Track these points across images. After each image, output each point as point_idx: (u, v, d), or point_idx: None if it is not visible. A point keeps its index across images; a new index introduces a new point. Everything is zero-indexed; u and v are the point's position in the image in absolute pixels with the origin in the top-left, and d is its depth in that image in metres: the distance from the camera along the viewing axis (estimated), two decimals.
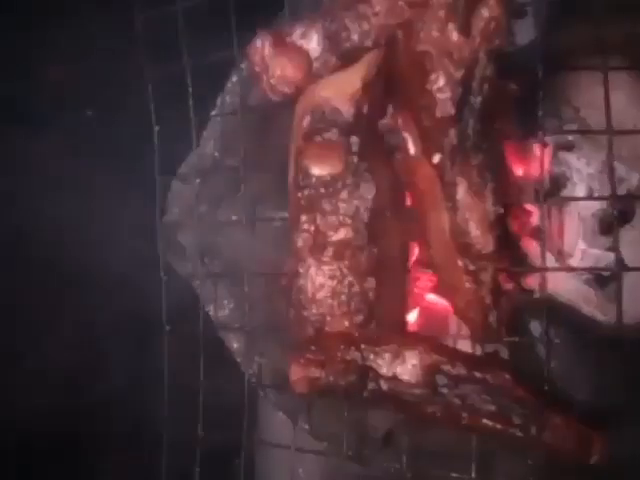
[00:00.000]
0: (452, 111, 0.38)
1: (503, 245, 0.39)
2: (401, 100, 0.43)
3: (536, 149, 0.63)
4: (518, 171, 0.59)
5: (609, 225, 0.61)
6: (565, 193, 0.63)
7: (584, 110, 0.63)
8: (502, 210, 0.39)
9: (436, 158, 0.40)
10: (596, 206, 0.60)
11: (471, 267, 0.39)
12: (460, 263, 0.40)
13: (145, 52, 0.63)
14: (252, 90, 0.63)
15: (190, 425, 0.61)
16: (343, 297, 0.44)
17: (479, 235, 0.39)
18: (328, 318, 0.45)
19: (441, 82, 0.38)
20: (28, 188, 0.61)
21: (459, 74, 0.38)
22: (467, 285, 0.40)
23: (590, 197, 0.59)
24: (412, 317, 0.51)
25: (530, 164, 0.61)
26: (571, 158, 0.63)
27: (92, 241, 0.64)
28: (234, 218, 0.65)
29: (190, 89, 0.62)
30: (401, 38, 0.41)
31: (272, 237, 0.62)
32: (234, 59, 0.60)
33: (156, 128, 0.65)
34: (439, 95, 0.39)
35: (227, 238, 0.66)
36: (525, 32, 0.49)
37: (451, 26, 0.38)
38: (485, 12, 0.37)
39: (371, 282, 0.42)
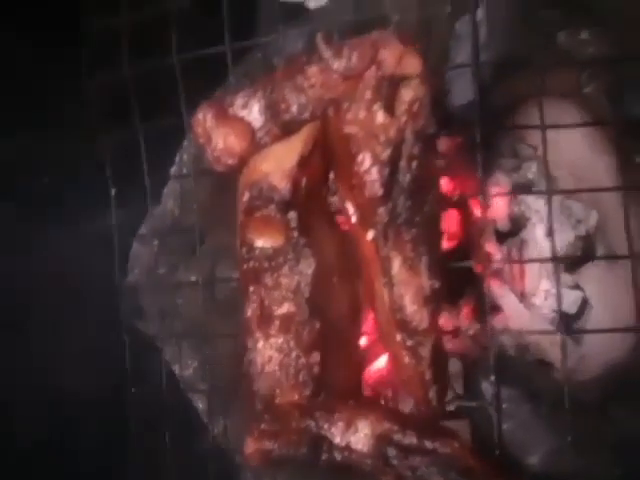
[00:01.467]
0: (380, 192, 0.38)
1: (440, 317, 0.39)
2: (338, 171, 0.43)
3: (493, 190, 0.65)
4: (477, 212, 0.59)
5: (571, 264, 0.62)
6: (525, 234, 0.64)
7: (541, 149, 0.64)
8: (438, 284, 0.39)
9: (370, 234, 0.40)
10: (558, 245, 0.61)
11: (409, 342, 0.40)
12: (398, 338, 0.40)
13: (97, 117, 0.64)
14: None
15: None
16: (291, 370, 0.44)
17: (415, 310, 0.39)
18: (277, 391, 0.45)
19: (367, 164, 0.39)
20: None
21: (385, 155, 0.38)
22: (406, 360, 0.40)
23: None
24: (365, 381, 0.51)
25: (489, 205, 0.62)
26: (530, 199, 0.64)
27: (52, 305, 0.64)
28: (192, 279, 0.65)
29: (144, 152, 0.63)
30: (332, 115, 0.42)
31: (231, 297, 0.62)
32: (184, 123, 0.61)
33: (112, 191, 0.66)
34: (366, 177, 0.39)
35: (187, 299, 0.66)
36: (463, 91, 0.50)
37: (377, 107, 0.39)
38: (408, 93, 0.38)
39: (315, 356, 0.42)
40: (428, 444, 0.43)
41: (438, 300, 0.40)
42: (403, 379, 0.42)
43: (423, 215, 0.39)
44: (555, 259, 0.50)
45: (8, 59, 0.62)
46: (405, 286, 0.39)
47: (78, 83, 0.64)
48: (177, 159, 0.68)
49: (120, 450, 0.64)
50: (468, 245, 0.57)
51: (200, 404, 0.65)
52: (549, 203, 0.46)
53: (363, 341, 0.49)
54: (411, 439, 0.44)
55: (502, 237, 0.62)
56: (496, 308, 0.59)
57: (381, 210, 0.39)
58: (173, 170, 0.68)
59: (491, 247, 0.60)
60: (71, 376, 0.65)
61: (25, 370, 0.64)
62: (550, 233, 0.47)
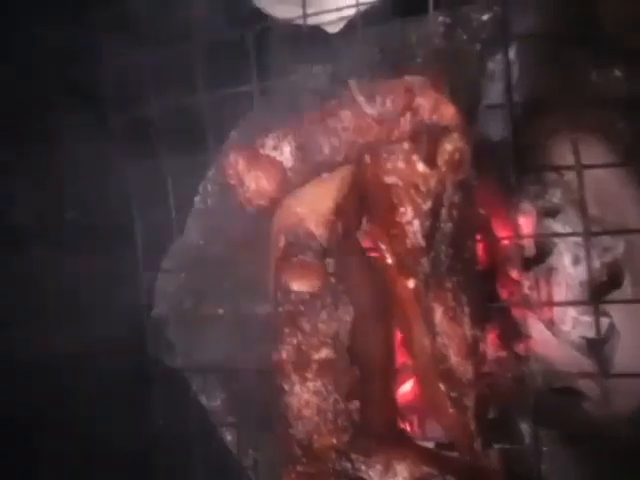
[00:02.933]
0: (422, 243, 0.39)
1: (484, 368, 0.39)
2: (374, 216, 0.43)
3: (519, 217, 0.64)
4: (504, 239, 0.59)
5: (598, 291, 0.62)
6: (551, 261, 0.63)
7: (568, 174, 0.64)
8: (481, 334, 0.39)
9: (411, 283, 0.40)
10: (584, 272, 0.61)
11: (453, 393, 0.40)
12: (442, 388, 0.40)
13: (123, 149, 0.64)
14: None
15: None
16: (329, 415, 0.44)
17: (459, 362, 0.39)
18: (315, 436, 0.45)
19: (409, 215, 0.39)
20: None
21: (427, 206, 0.38)
22: (450, 410, 0.40)
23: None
24: (402, 420, 0.51)
25: (514, 232, 0.61)
26: (556, 225, 0.64)
27: (79, 341, 0.64)
28: (220, 312, 0.65)
29: (170, 185, 0.63)
30: (369, 162, 0.42)
31: (258, 331, 0.62)
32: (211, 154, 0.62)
33: (138, 224, 0.66)
34: (408, 227, 0.39)
35: (213, 332, 0.66)
36: (496, 130, 0.50)
37: (416, 158, 0.39)
38: (449, 145, 0.38)
39: (355, 404, 0.42)
40: None
41: (481, 349, 0.40)
42: (445, 426, 0.41)
43: (464, 262, 0.39)
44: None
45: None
46: (448, 336, 0.39)
47: (103, 113, 0.64)
48: (201, 189, 0.68)
49: None
50: (494, 273, 0.57)
51: (228, 436, 0.65)
52: (586, 243, 0.46)
53: (398, 379, 0.49)
54: None
55: (528, 264, 0.62)
56: (524, 336, 0.59)
57: (424, 260, 0.39)
58: (197, 200, 0.69)
59: (518, 274, 0.60)
60: (99, 409, 0.66)
61: (54, 402, 0.64)
62: (588, 271, 0.46)
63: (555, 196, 0.65)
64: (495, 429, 0.44)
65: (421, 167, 0.38)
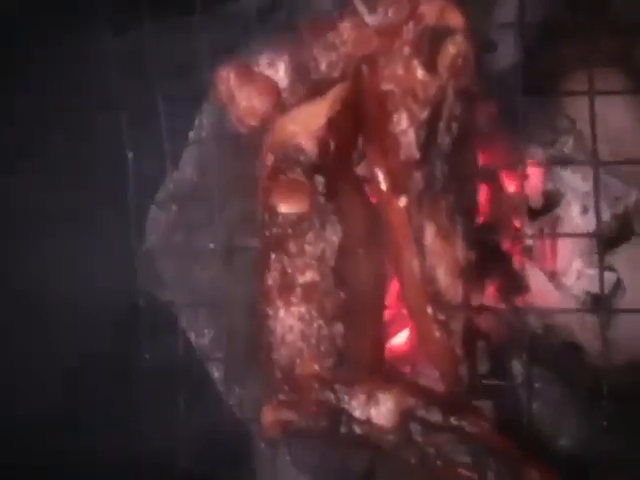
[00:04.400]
0: (416, 155, 0.36)
1: (474, 291, 0.37)
2: (369, 134, 0.41)
3: (528, 165, 0.62)
4: (510, 187, 0.57)
5: (606, 244, 0.59)
6: (559, 211, 0.61)
7: (580, 122, 0.60)
8: (473, 256, 0.37)
9: (402, 201, 0.38)
10: (591, 224, 0.58)
11: (440, 316, 0.38)
12: (429, 311, 0.38)
13: (115, 79, 0.62)
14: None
15: (170, 457, 0.60)
16: (312, 340, 0.42)
17: (449, 283, 0.37)
18: (298, 361, 0.43)
19: (404, 124, 0.36)
20: None
21: (424, 114, 0.36)
22: (437, 334, 0.38)
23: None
24: (388, 355, 0.49)
25: (522, 180, 0.59)
26: (566, 174, 0.61)
27: (65, 270, 0.63)
28: (211, 246, 0.64)
29: (162, 114, 0.61)
30: (366, 73, 0.39)
31: (250, 265, 0.61)
32: (206, 85, 0.59)
33: (130, 155, 0.64)
34: (402, 138, 0.37)
35: (204, 266, 0.65)
36: (506, 55, 0.47)
37: (416, 63, 0.36)
38: (452, 48, 0.35)
39: (339, 328, 0.41)
40: (454, 422, 0.42)
41: (472, 273, 0.38)
42: (431, 354, 0.40)
43: (460, 182, 0.37)
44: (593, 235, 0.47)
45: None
46: (439, 257, 0.37)
47: (97, 42, 0.62)
48: (196, 123, 0.66)
49: (134, 420, 0.64)
50: (498, 221, 0.55)
51: (216, 373, 0.64)
52: (595, 173, 0.43)
53: (386, 315, 0.48)
54: (436, 416, 0.42)
55: (535, 214, 0.60)
56: (525, 287, 0.57)
57: (417, 175, 0.37)
58: (192, 134, 0.66)
59: (522, 223, 0.58)
60: (85, 344, 0.65)
61: (40, 336, 0.64)
62: (596, 207, 0.43)
63: (567, 145, 0.62)
64: (485, 364, 0.42)
65: (420, 73, 0.36)
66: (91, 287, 0.64)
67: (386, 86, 0.37)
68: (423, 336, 0.40)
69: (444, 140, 0.36)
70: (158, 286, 0.65)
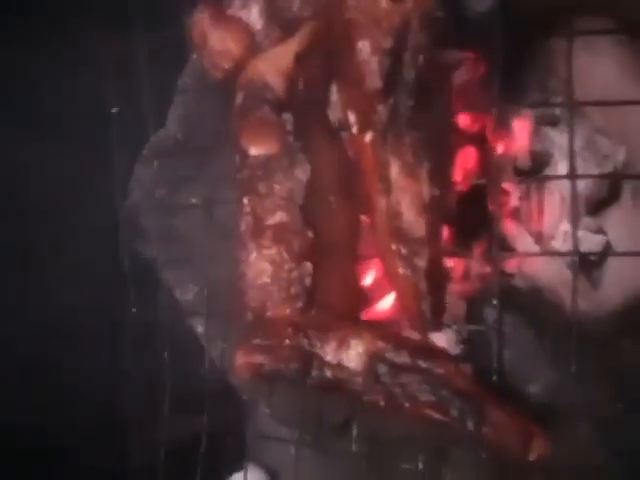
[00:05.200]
0: (379, 84, 0.35)
1: (440, 229, 0.37)
2: (337, 68, 0.40)
3: (515, 123, 0.61)
4: (496, 147, 0.56)
5: (595, 205, 0.58)
6: (547, 171, 0.60)
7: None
8: (438, 192, 0.36)
9: (368, 136, 0.37)
10: (580, 185, 0.57)
11: (404, 251, 0.37)
12: (394, 247, 0.38)
13: (99, 33, 0.61)
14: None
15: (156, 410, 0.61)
16: (283, 282, 0.42)
17: (412, 218, 0.37)
18: (269, 304, 0.43)
19: (367, 52, 0.35)
20: None
21: (387, 43, 0.35)
22: (401, 270, 0.38)
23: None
24: (362, 302, 0.49)
25: (509, 139, 0.58)
26: (554, 133, 0.60)
27: (51, 226, 0.64)
28: (193, 201, 0.64)
29: (145, 67, 0.61)
30: (334, 6, 0.38)
31: (232, 220, 0.61)
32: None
33: (114, 110, 0.64)
34: (366, 67, 0.36)
35: (187, 222, 0.65)
36: None
37: None
38: None
39: (307, 267, 0.40)
40: (422, 363, 0.42)
41: (438, 210, 0.37)
42: (399, 293, 0.40)
43: (428, 119, 0.36)
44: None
45: None
46: (403, 192, 0.37)
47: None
48: (180, 81, 0.65)
49: (119, 372, 0.64)
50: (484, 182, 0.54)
51: (199, 328, 0.65)
52: (570, 114, 0.42)
53: (361, 263, 0.48)
54: (404, 358, 0.42)
55: (522, 175, 0.59)
56: (510, 249, 0.56)
57: (380, 108, 0.36)
58: (177, 90, 0.66)
59: (509, 185, 0.57)
60: (71, 297, 0.66)
61: (26, 290, 0.64)
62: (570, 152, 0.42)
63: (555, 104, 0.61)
64: (457, 308, 0.42)
65: (384, 1, 0.35)
66: (75, 242, 0.65)
67: (351, 15, 0.37)
68: (390, 274, 0.40)
69: (409, 73, 0.36)
70: (142, 242, 0.66)
